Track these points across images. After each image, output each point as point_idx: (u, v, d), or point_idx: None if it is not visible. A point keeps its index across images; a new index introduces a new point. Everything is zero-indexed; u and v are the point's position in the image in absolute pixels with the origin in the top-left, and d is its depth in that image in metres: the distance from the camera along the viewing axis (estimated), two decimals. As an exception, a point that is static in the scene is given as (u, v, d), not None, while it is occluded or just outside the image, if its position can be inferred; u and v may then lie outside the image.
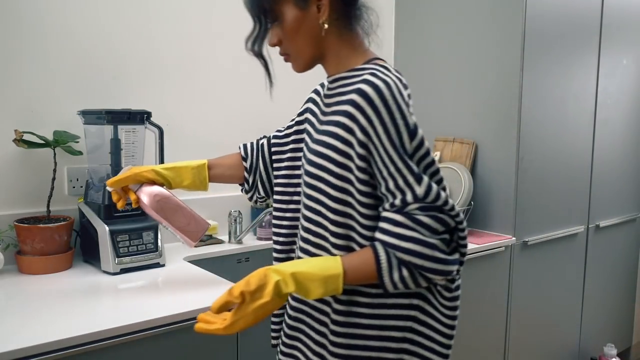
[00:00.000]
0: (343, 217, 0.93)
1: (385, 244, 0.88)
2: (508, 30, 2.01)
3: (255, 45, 1.04)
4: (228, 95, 1.97)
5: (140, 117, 1.58)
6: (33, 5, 1.55)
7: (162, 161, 1.62)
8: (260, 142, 1.28)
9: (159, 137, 1.60)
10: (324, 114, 1.00)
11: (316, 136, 0.98)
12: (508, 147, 2.03)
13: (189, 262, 1.62)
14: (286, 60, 1.05)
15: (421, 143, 0.91)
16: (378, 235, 0.90)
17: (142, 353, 1.14)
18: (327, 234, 0.95)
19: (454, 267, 0.89)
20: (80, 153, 1.56)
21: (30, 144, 1.49)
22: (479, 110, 2.12)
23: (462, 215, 0.91)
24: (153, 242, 1.54)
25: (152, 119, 1.61)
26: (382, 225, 0.89)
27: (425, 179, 0.88)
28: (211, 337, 1.25)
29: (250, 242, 1.88)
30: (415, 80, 2.39)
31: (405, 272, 0.88)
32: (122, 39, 1.72)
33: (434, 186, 0.88)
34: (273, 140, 1.22)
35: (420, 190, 0.87)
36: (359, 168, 0.90)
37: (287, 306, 1.07)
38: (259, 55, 1.05)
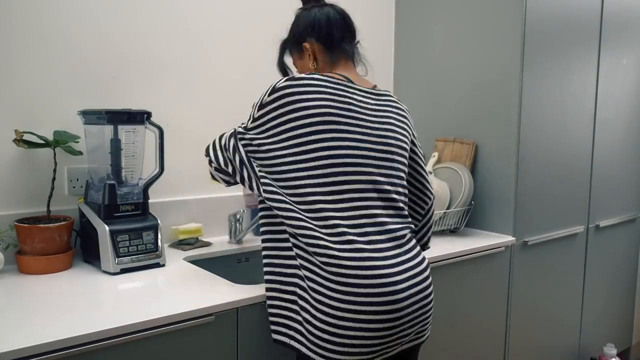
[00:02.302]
0: None
1: None
2: (508, 30, 2.01)
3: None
4: (228, 95, 1.97)
5: (140, 117, 1.58)
6: (33, 5, 1.55)
7: (162, 161, 1.62)
8: None
9: (159, 137, 1.61)
10: None
11: None
12: (508, 147, 2.03)
13: (189, 262, 1.62)
14: None
15: (261, 117, 1.24)
16: None
17: (142, 353, 1.14)
18: None
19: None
20: (80, 153, 1.56)
21: (31, 144, 1.49)
22: (479, 110, 2.12)
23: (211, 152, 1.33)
24: (153, 242, 1.54)
25: (152, 119, 1.61)
26: None
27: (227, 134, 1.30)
28: (211, 337, 1.25)
29: (251, 242, 1.88)
30: (415, 80, 2.39)
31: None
32: (122, 39, 1.72)
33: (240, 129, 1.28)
34: None
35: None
36: None
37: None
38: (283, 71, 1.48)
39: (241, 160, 1.25)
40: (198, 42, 1.88)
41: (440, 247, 1.85)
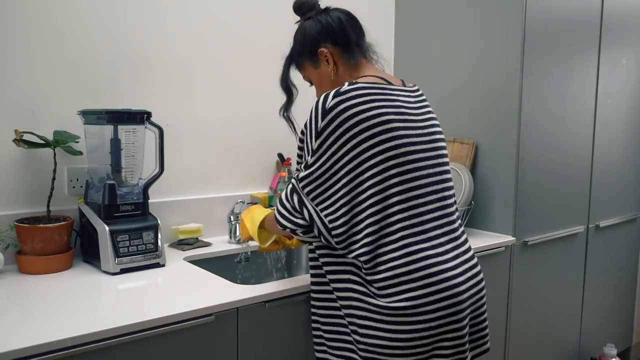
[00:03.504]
0: None
1: None
2: (508, 30, 2.01)
3: (286, 113, 1.44)
4: (228, 95, 1.97)
5: (140, 117, 1.58)
6: (33, 5, 1.55)
7: (162, 161, 1.62)
8: None
9: (159, 137, 1.61)
10: None
11: None
12: (508, 147, 2.03)
13: (189, 262, 1.62)
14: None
15: (321, 145, 1.19)
16: None
17: (142, 353, 1.14)
18: None
19: (281, 222, 1.26)
20: (80, 153, 1.56)
21: (30, 144, 1.49)
22: (479, 110, 2.12)
23: (288, 201, 1.25)
24: (153, 242, 1.54)
25: (152, 119, 1.61)
26: None
27: (307, 171, 1.21)
28: (211, 337, 1.25)
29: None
30: (414, 80, 2.39)
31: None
32: (123, 39, 1.72)
33: (311, 176, 1.21)
34: None
35: (301, 174, 1.23)
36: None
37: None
38: (288, 119, 1.43)
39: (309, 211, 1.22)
40: (198, 42, 1.88)
41: (440, 247, 1.84)
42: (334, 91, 1.19)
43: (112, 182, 1.52)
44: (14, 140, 1.47)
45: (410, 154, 1.20)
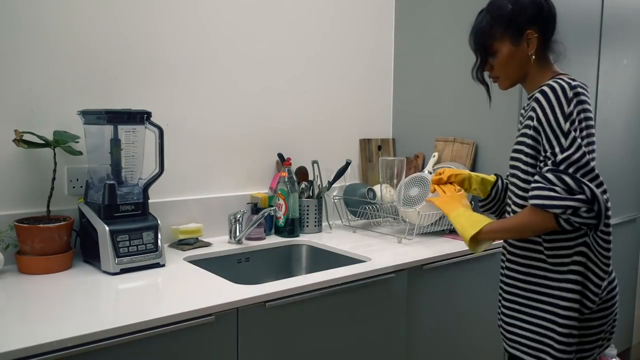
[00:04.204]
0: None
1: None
2: (508, 30, 2.00)
3: (478, 74, 1.39)
4: (228, 95, 1.97)
5: (140, 117, 1.59)
6: (33, 4, 1.55)
7: (162, 161, 1.62)
8: None
9: (159, 137, 1.61)
10: (521, 122, 1.36)
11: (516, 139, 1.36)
12: (508, 147, 2.02)
13: (189, 262, 1.62)
14: (494, 81, 1.39)
15: (572, 125, 1.21)
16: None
17: (142, 353, 1.14)
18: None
19: (560, 204, 1.17)
20: (80, 153, 1.56)
21: (30, 144, 1.49)
22: (479, 110, 2.12)
23: (588, 187, 1.17)
24: (153, 242, 1.54)
25: (152, 119, 1.61)
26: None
27: (565, 154, 1.19)
28: (211, 337, 1.25)
29: (251, 242, 1.88)
30: (415, 80, 2.39)
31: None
32: (123, 39, 1.72)
33: (572, 157, 1.19)
34: None
35: (559, 158, 1.19)
36: (530, 146, 1.28)
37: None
38: (482, 82, 1.39)
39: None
40: (199, 42, 1.88)
41: (440, 247, 1.85)
42: (566, 83, 1.22)
43: (112, 182, 1.53)
44: (14, 140, 1.47)
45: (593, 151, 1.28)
